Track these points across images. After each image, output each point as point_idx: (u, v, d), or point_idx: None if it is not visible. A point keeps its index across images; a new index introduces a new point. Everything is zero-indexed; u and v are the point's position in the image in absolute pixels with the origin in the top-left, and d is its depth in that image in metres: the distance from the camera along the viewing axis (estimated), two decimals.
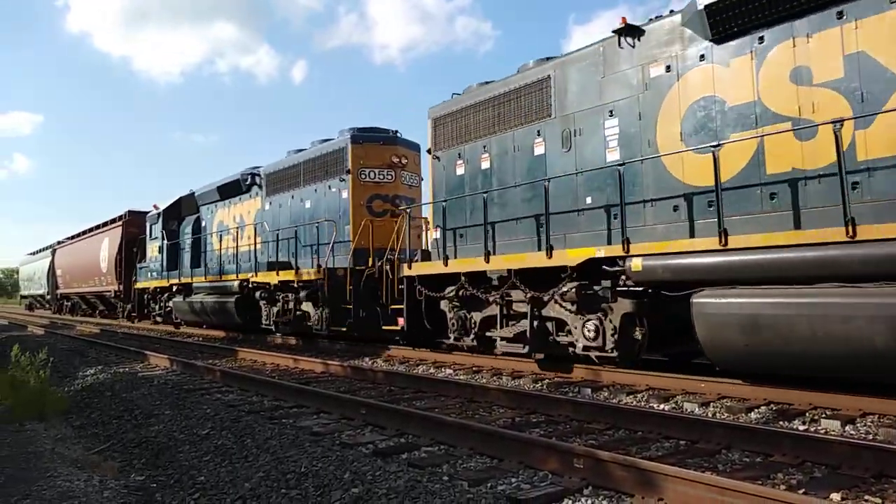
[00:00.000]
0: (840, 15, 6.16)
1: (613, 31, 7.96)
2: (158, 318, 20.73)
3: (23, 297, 47.60)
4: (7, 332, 20.38)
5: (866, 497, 3.57)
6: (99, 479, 4.62)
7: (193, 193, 19.28)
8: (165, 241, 19.52)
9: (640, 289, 7.40)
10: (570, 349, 8.23)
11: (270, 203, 15.35)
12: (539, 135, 8.91)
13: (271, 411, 6.46)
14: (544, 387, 7.67)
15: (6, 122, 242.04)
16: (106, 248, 25.83)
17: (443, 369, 9.39)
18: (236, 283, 15.13)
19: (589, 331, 7.91)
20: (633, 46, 7.81)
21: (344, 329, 12.04)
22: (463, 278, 9.52)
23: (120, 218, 25.22)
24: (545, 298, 8.39)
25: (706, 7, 6.91)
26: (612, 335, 7.68)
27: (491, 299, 9.21)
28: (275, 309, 14.09)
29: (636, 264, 7.14)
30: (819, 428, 5.33)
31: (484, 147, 9.74)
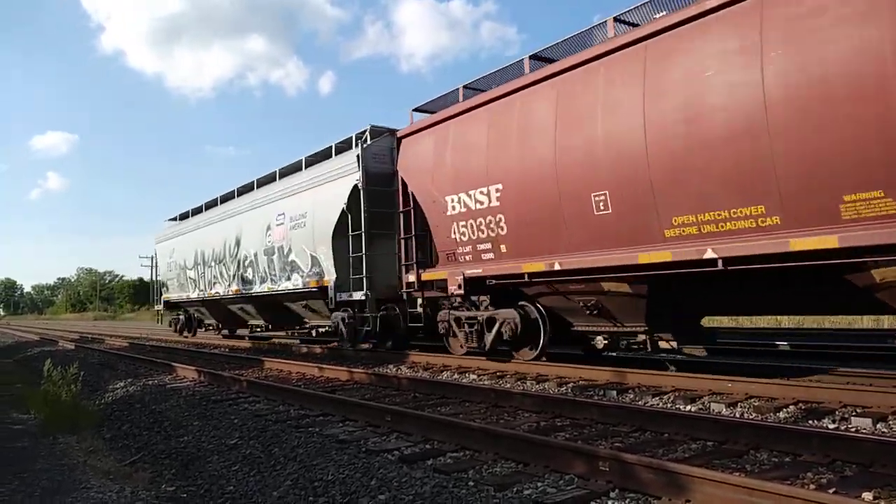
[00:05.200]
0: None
1: None
2: None
3: (169, 305, 24.35)
4: (40, 348, 20.79)
5: None
6: (130, 490, 4.70)
7: None
8: None
9: None
10: None
11: None
12: None
13: (298, 420, 6.52)
14: (569, 390, 7.64)
15: (44, 141, 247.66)
16: None
17: (467, 375, 9.40)
18: None
19: None
20: None
21: None
22: None
23: None
24: None
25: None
26: None
27: None
28: None
29: None
30: (850, 426, 5.26)
31: None
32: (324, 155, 14.23)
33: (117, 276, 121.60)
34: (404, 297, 11.61)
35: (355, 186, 12.41)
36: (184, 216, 22.47)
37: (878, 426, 5.18)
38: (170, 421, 7.03)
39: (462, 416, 6.23)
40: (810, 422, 5.46)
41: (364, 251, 12.29)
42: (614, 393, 7.22)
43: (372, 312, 12.11)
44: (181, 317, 23.64)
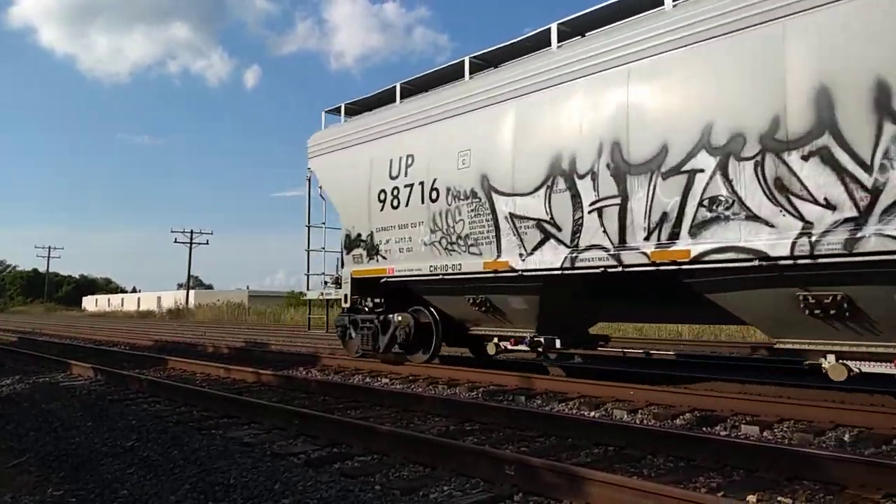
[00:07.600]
0: None
1: None
2: None
3: (365, 286, 10.46)
4: None
5: (779, 498, 3.74)
6: (11, 495, 4.39)
7: None
8: None
9: None
10: None
11: None
12: None
13: (200, 422, 6.29)
14: (479, 395, 7.73)
15: None
16: None
17: (379, 379, 9.35)
18: None
19: None
20: None
21: None
22: None
23: None
24: None
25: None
26: None
27: None
28: None
29: None
30: (739, 434, 5.57)
31: None
32: None
33: (9, 266, 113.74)
34: None
35: None
36: (409, 91, 10.35)
37: (765, 433, 5.52)
38: (61, 421, 6.62)
39: (372, 419, 6.19)
40: (704, 428, 5.74)
41: None
42: (523, 398, 7.36)
43: None
44: (400, 320, 10.21)
